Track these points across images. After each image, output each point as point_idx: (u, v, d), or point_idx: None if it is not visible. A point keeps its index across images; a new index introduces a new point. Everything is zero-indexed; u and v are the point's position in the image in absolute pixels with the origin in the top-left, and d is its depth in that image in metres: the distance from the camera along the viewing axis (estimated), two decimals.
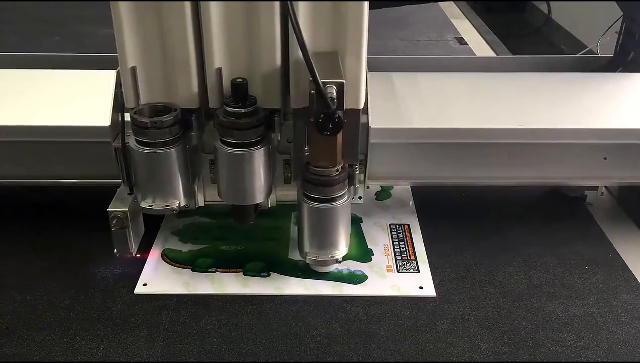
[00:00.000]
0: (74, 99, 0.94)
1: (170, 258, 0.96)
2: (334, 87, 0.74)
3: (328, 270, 0.93)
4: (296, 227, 1.01)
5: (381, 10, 1.04)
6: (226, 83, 0.81)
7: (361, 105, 0.83)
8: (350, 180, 0.87)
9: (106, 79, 0.90)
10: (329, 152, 0.81)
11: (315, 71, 0.72)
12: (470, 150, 0.94)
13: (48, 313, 0.86)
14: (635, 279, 0.93)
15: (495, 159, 0.94)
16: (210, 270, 0.94)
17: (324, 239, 0.87)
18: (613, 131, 0.93)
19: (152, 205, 0.87)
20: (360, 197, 0.97)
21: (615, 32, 1.10)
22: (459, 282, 0.92)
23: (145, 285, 0.91)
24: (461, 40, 1.99)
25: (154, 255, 0.97)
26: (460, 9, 2.34)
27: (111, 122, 0.89)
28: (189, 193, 0.90)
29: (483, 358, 0.79)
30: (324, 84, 0.73)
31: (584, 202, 1.11)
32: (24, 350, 0.80)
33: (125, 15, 0.78)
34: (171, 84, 0.83)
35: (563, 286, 0.92)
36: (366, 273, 0.94)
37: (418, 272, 0.94)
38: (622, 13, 1.08)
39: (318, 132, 0.76)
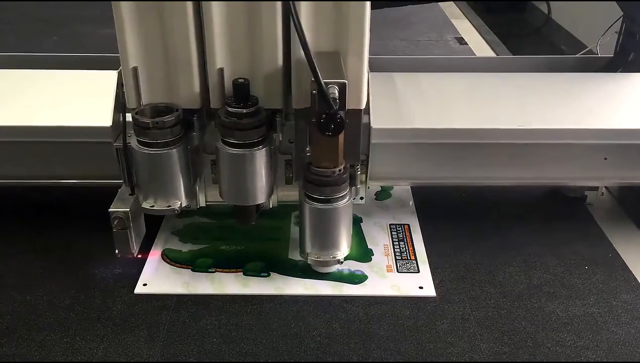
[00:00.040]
0: (74, 99, 0.94)
1: (170, 258, 0.96)
2: (336, 87, 0.73)
3: (330, 271, 0.93)
4: (296, 227, 1.01)
5: (382, 10, 1.04)
6: (228, 83, 0.81)
7: (363, 106, 0.83)
8: (352, 180, 0.87)
9: (107, 79, 0.90)
10: (330, 153, 0.81)
11: (318, 71, 0.72)
12: (472, 151, 0.94)
13: (48, 313, 0.86)
14: (635, 279, 0.93)
15: (497, 159, 0.95)
16: (210, 270, 0.94)
17: (326, 240, 0.87)
18: (613, 131, 0.93)
19: (153, 206, 0.87)
20: (361, 198, 0.97)
21: (615, 32, 1.11)
22: (459, 282, 0.92)
23: (145, 285, 0.91)
24: (461, 40, 1.99)
25: (154, 255, 0.97)
26: (460, 9, 2.34)
27: (112, 123, 0.89)
28: (191, 194, 0.90)
29: (483, 358, 0.79)
30: (326, 84, 0.73)
31: (584, 202, 1.11)
32: (24, 350, 0.80)
33: (127, 15, 0.78)
34: (173, 84, 0.83)
35: (563, 286, 0.92)
36: (366, 273, 0.94)
37: (418, 272, 0.94)
38: (621, 13, 1.08)
39: (320, 133, 0.76)
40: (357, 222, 1.04)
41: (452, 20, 2.22)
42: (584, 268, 0.95)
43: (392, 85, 0.96)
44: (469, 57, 1.65)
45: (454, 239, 1.01)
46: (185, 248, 0.99)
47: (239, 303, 0.88)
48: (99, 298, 0.88)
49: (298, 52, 0.77)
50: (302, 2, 0.77)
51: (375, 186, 1.13)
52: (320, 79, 0.72)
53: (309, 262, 0.90)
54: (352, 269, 0.94)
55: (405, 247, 0.99)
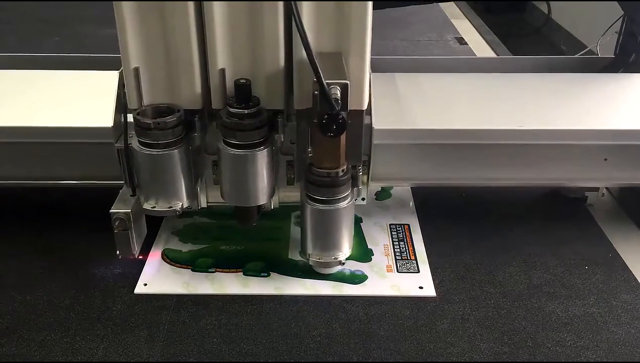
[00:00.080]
0: (75, 100, 0.94)
1: (170, 258, 0.96)
2: (338, 88, 0.73)
3: (331, 272, 0.93)
4: (296, 227, 1.01)
5: (382, 10, 1.04)
6: (229, 84, 0.81)
7: (365, 106, 0.83)
8: (354, 181, 0.87)
9: (108, 79, 0.90)
10: (332, 154, 0.81)
11: (320, 72, 0.72)
12: (474, 151, 0.94)
13: (48, 313, 0.86)
14: (635, 279, 0.93)
15: (498, 160, 0.94)
16: (210, 270, 0.94)
17: (327, 241, 0.87)
18: (614, 132, 0.93)
19: (154, 207, 0.86)
20: (363, 199, 0.97)
21: (615, 32, 1.11)
22: (459, 282, 0.92)
23: (145, 285, 0.91)
24: (461, 41, 1.99)
25: (154, 255, 0.97)
26: (460, 9, 2.34)
27: (114, 123, 0.89)
28: (192, 195, 0.90)
29: (483, 358, 0.79)
30: (328, 85, 0.72)
31: (584, 203, 1.11)
32: (24, 350, 0.80)
33: (128, 16, 0.78)
34: (174, 84, 0.83)
35: (563, 286, 0.92)
36: (366, 273, 0.94)
37: (418, 272, 0.94)
38: (621, 13, 1.08)
39: (322, 133, 0.76)
40: (357, 222, 1.04)
41: (452, 20, 2.22)
42: (584, 268, 0.95)
43: (394, 86, 0.96)
44: (470, 58, 1.65)
45: (454, 239, 1.01)
46: (186, 248, 0.99)
47: (239, 303, 0.88)
48: (99, 298, 0.88)
49: (300, 53, 0.77)
50: (304, 2, 0.77)
51: (375, 186, 1.13)
52: (323, 79, 0.72)
53: (310, 264, 0.90)
54: (352, 269, 0.94)
55: (405, 247, 0.99)
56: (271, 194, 0.89)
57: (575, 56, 1.16)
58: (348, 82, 0.74)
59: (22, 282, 0.91)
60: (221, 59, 0.80)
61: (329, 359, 0.79)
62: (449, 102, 0.96)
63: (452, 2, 2.32)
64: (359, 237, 1.01)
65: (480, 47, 1.95)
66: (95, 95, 0.92)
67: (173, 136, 0.82)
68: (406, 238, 1.01)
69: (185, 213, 1.01)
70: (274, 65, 0.81)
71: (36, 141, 0.92)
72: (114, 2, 0.77)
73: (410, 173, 0.96)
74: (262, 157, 0.83)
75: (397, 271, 0.94)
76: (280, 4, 0.77)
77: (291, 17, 0.75)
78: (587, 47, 1.29)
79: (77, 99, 0.94)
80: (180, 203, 0.87)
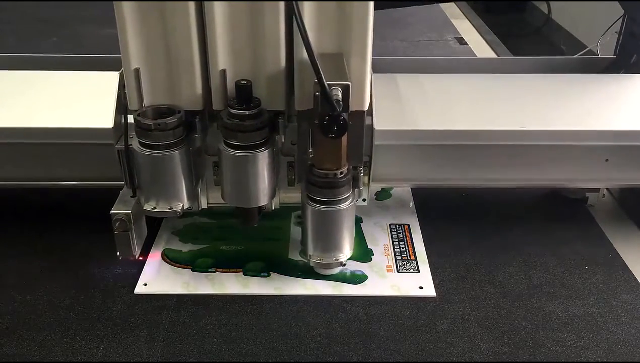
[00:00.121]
0: (75, 100, 0.95)
1: (170, 258, 0.96)
2: (339, 89, 0.73)
3: (332, 273, 0.93)
4: (296, 227, 1.01)
5: (383, 10, 1.04)
6: (230, 85, 0.81)
7: (366, 107, 0.83)
8: (355, 182, 0.87)
9: (108, 80, 0.90)
10: (333, 155, 0.81)
11: (321, 73, 0.71)
12: (475, 152, 0.94)
13: (48, 313, 0.86)
14: (635, 279, 0.93)
15: (499, 160, 0.94)
16: (210, 270, 0.94)
17: (328, 242, 0.87)
18: (615, 133, 0.93)
19: (155, 208, 0.86)
20: (364, 199, 0.97)
21: (615, 32, 1.11)
22: (459, 282, 0.92)
23: (145, 285, 0.91)
24: (461, 41, 1.99)
25: (154, 255, 0.97)
26: (460, 9, 2.34)
27: (114, 124, 0.89)
28: (193, 196, 0.90)
29: (483, 358, 0.79)
30: (329, 85, 0.72)
31: (585, 204, 1.11)
32: (24, 350, 0.80)
33: (128, 16, 0.78)
34: (175, 85, 0.82)
35: (563, 286, 0.92)
36: (366, 273, 0.94)
37: (418, 272, 0.94)
38: (621, 13, 1.08)
39: (323, 135, 0.75)
40: (357, 222, 1.04)
41: (452, 20, 2.22)
42: (584, 268, 0.95)
43: (395, 87, 0.96)
44: (471, 58, 1.65)
45: (454, 239, 1.01)
46: (186, 248, 0.99)
47: (239, 303, 0.88)
48: (99, 298, 0.88)
49: (301, 53, 0.77)
50: (305, 2, 0.76)
51: (376, 187, 1.13)
52: (324, 80, 0.71)
53: (311, 264, 0.90)
54: (352, 269, 0.94)
55: (405, 247, 0.99)
56: (272, 195, 0.89)
57: (576, 56, 1.16)
58: (349, 83, 0.73)
59: (22, 282, 0.91)
60: (222, 59, 0.80)
61: (329, 359, 0.79)
62: (449, 102, 0.96)
63: (452, 2, 2.33)
64: (359, 237, 1.01)
65: (480, 47, 1.95)
66: (96, 96, 0.92)
67: (174, 137, 0.82)
68: (406, 238, 1.01)
69: (185, 213, 1.02)
70: (275, 66, 0.81)
71: (36, 142, 0.92)
72: (114, 2, 0.77)
73: (412, 174, 0.96)
74: (263, 158, 0.83)
75: (397, 271, 0.94)
76: (282, 4, 0.77)
77: (292, 17, 0.75)
78: (587, 47, 1.29)
79: (77, 100, 0.94)
80: (181, 205, 0.87)
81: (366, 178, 0.92)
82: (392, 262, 0.96)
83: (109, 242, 0.88)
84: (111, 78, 0.88)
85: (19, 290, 0.89)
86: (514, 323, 0.85)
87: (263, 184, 0.85)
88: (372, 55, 0.81)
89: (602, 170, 0.95)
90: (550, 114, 0.94)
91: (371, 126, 0.89)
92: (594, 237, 1.03)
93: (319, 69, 0.71)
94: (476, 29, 2.12)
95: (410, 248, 0.99)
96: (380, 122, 0.89)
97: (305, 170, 0.85)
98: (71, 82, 0.97)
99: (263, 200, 0.87)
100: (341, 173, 0.82)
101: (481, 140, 0.92)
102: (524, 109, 0.95)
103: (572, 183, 1.05)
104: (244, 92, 0.80)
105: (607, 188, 1.11)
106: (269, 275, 0.93)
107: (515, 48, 1.99)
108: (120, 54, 0.80)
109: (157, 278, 0.92)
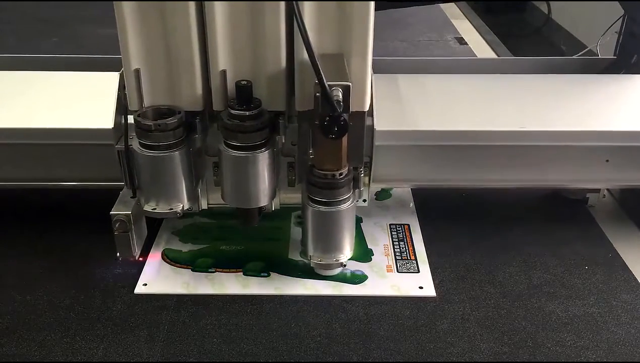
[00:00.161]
0: (75, 101, 0.94)
1: (170, 258, 0.96)
2: (340, 89, 0.73)
3: (333, 274, 0.93)
4: (296, 228, 1.01)
5: (383, 11, 1.04)
6: (230, 85, 0.81)
7: (367, 108, 0.83)
8: (355, 183, 0.86)
9: (108, 81, 0.90)
10: (334, 155, 0.81)
11: (322, 73, 0.71)
12: (476, 153, 0.94)
13: (48, 313, 0.86)
14: (635, 279, 0.93)
15: (499, 161, 0.94)
16: (210, 270, 0.94)
17: (329, 242, 0.87)
18: (615, 133, 0.93)
19: (155, 209, 0.86)
20: (364, 200, 0.97)
21: (615, 32, 1.11)
22: (459, 282, 0.92)
23: (145, 285, 0.91)
24: (461, 41, 1.99)
25: (154, 255, 0.97)
26: (460, 9, 2.34)
27: (114, 125, 0.88)
28: (193, 196, 0.90)
29: (483, 358, 0.79)
30: (330, 86, 0.72)
31: (585, 204, 1.11)
32: (24, 350, 0.80)
33: (128, 16, 0.78)
34: (175, 86, 0.82)
35: (563, 286, 0.92)
36: (366, 273, 0.94)
37: (418, 272, 0.94)
38: (621, 13, 1.08)
39: (323, 135, 0.75)
40: (357, 222, 1.04)
41: (452, 20, 2.22)
42: (584, 268, 0.95)
43: (395, 87, 0.96)
44: (471, 59, 1.65)
45: (454, 239, 1.01)
46: (186, 248, 0.99)
47: (239, 303, 0.88)
48: (99, 298, 0.88)
49: (301, 54, 0.77)
50: (305, 3, 0.76)
51: (376, 187, 1.13)
52: (324, 81, 0.71)
53: (311, 265, 0.90)
54: (352, 269, 0.94)
55: (405, 247, 0.99)
56: (272, 196, 0.89)
57: (576, 57, 1.16)
58: (350, 83, 0.73)
59: (22, 282, 0.91)
60: (222, 60, 0.80)
61: (329, 359, 0.79)
62: (450, 103, 0.96)
63: (452, 3, 2.33)
64: (359, 237, 1.01)
65: (480, 47, 1.95)
66: (96, 96, 0.92)
67: (174, 138, 0.82)
68: (406, 238, 1.01)
69: (185, 213, 1.02)
70: (276, 66, 0.81)
71: (36, 143, 0.92)
72: (114, 2, 0.77)
73: (412, 174, 0.96)
74: (263, 159, 0.83)
75: (397, 271, 0.94)
76: (282, 4, 0.77)
77: (293, 17, 0.75)
78: (587, 47, 1.29)
79: (77, 100, 0.94)
80: (181, 205, 0.87)
81: (366, 179, 0.92)
82: (392, 262, 0.96)
83: (109, 242, 0.88)
84: (111, 78, 0.89)
85: (19, 290, 0.89)
86: (514, 323, 0.85)
87: (263, 185, 0.85)
88: (373, 56, 0.81)
89: (603, 170, 0.95)
90: (550, 114, 0.94)
91: (372, 127, 0.89)
92: (594, 238, 1.03)
93: (319, 70, 0.71)
94: (476, 29, 2.12)
95: (410, 248, 0.99)
96: (381, 123, 0.89)
97: (305, 170, 0.85)
98: (71, 82, 0.97)
99: (263, 201, 0.87)
100: (341, 174, 0.82)
101: (481, 140, 0.92)
102: (524, 110, 0.95)
103: (572, 184, 1.04)
104: (244, 93, 0.80)
105: (607, 189, 1.11)
106: (269, 275, 0.93)
107: (515, 48, 1.99)
108: (120, 54, 0.80)
109: (157, 278, 0.92)
